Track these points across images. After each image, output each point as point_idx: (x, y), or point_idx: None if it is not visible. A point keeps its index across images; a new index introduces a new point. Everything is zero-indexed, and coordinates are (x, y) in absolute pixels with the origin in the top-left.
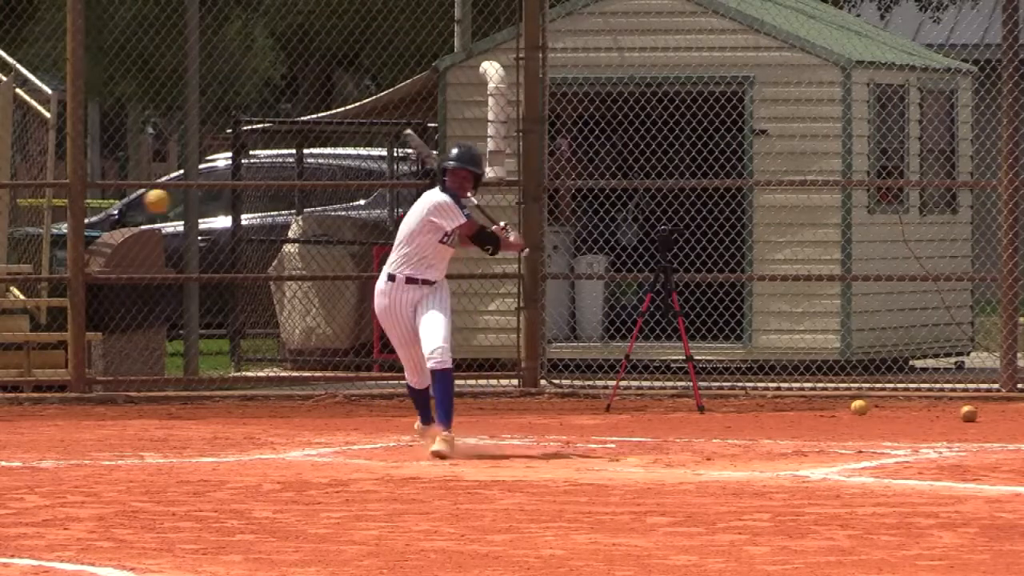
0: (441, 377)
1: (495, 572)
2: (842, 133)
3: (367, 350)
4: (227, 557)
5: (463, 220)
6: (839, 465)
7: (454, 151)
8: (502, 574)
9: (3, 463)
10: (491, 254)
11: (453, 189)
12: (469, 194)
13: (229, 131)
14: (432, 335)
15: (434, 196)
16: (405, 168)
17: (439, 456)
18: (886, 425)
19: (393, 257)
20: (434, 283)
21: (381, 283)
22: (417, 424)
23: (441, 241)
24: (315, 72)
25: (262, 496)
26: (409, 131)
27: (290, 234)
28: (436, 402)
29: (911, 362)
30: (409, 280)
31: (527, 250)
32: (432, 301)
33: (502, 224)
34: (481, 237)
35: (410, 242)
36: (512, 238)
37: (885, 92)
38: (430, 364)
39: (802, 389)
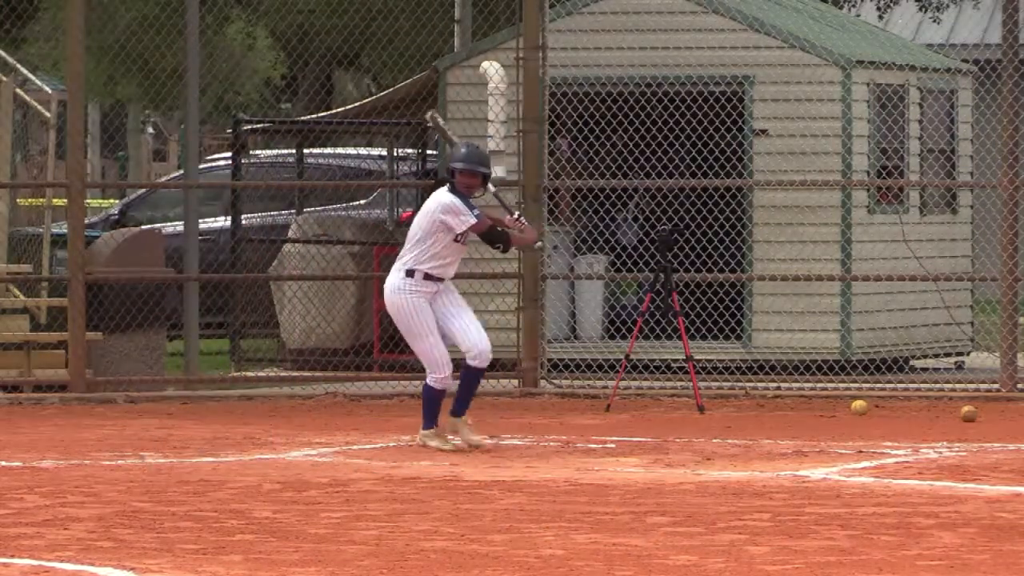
0: (478, 375)
1: (495, 572)
2: (842, 133)
3: (367, 350)
4: (227, 557)
5: (473, 221)
6: (839, 465)
7: (463, 151)
8: (502, 574)
9: (3, 463)
10: (502, 251)
11: (461, 190)
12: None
13: (229, 131)
14: (478, 335)
15: (442, 197)
16: (405, 168)
17: (478, 446)
18: (886, 425)
19: (409, 255)
20: (445, 280)
21: (398, 280)
22: (429, 431)
23: (455, 240)
24: (315, 72)
25: (262, 496)
26: (434, 113)
27: (290, 234)
28: (464, 394)
29: (911, 362)
30: (427, 277)
31: (540, 243)
32: (454, 299)
33: (516, 215)
34: (491, 236)
35: (423, 241)
36: (524, 232)
37: (885, 92)
38: (475, 363)
39: (802, 389)
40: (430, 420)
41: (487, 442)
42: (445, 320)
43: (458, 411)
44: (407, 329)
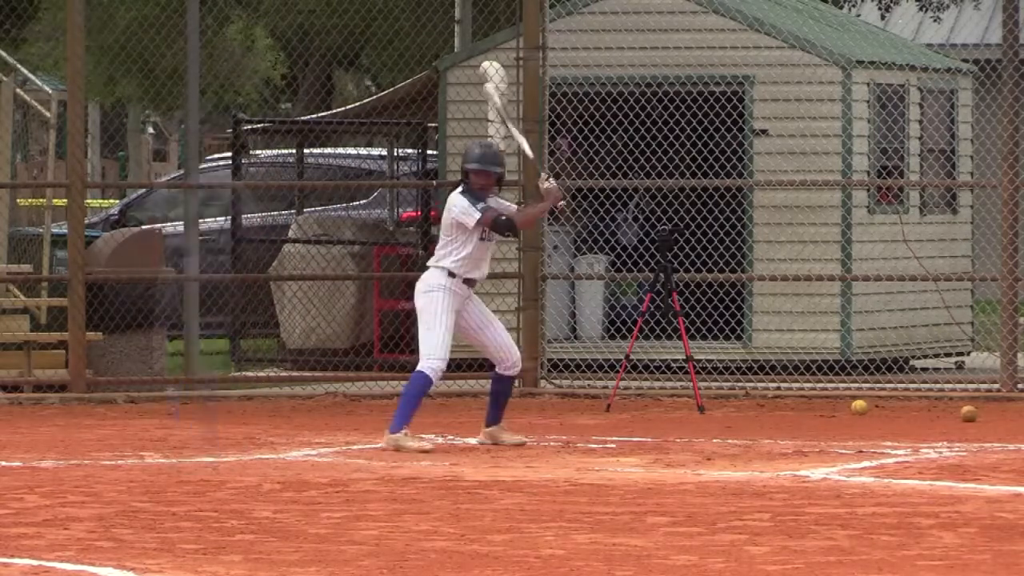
0: (510, 384)
1: (495, 572)
2: (842, 133)
3: (367, 350)
4: (227, 557)
5: (478, 215)
6: (839, 465)
7: (476, 151)
8: (502, 574)
9: (3, 463)
10: (514, 236)
11: (475, 189)
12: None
13: (229, 131)
14: (511, 345)
15: (453, 198)
16: (405, 168)
17: (521, 444)
18: (886, 425)
19: (445, 258)
20: (476, 284)
21: (439, 276)
22: (402, 431)
23: (481, 239)
24: (315, 72)
25: (262, 496)
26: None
27: (290, 234)
28: (501, 402)
29: (911, 362)
30: (466, 281)
31: (565, 200)
32: (483, 310)
33: (545, 175)
34: (497, 226)
35: (451, 243)
36: (549, 194)
37: (885, 92)
38: (509, 372)
39: (802, 389)
40: (408, 418)
41: (527, 440)
42: (477, 331)
43: (497, 419)
44: (432, 314)
